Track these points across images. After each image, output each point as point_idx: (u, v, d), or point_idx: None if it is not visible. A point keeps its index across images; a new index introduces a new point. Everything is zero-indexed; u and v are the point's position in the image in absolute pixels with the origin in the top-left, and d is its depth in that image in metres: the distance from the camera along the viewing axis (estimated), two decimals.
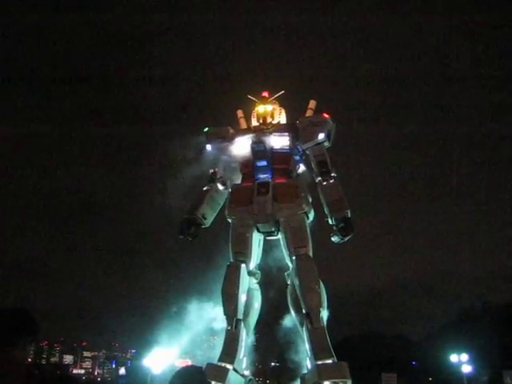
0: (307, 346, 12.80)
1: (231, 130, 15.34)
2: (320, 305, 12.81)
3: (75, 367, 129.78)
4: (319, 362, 12.09)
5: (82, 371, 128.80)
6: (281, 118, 15.46)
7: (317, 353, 12.29)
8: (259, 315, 14.46)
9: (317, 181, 14.33)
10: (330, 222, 13.74)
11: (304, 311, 12.87)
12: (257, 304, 14.30)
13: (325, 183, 14.14)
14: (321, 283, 13.13)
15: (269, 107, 15.33)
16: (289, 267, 13.83)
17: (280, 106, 15.58)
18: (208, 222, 14.74)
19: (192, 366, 3.44)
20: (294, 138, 14.72)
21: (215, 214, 14.95)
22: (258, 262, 14.51)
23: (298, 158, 15.05)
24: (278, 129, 14.96)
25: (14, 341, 3.48)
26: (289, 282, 13.87)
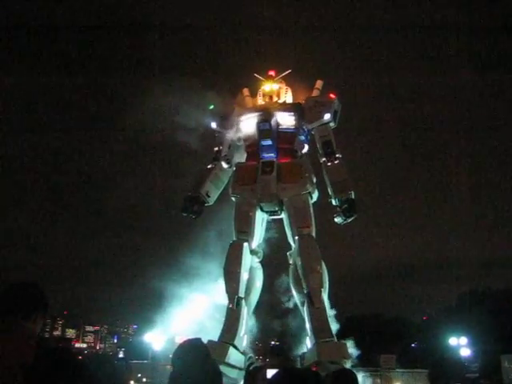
0: (307, 325, 12.88)
1: (237, 108, 15.19)
2: (321, 285, 12.85)
3: (77, 341, 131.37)
4: (319, 342, 12.19)
5: (84, 345, 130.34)
6: (287, 97, 15.31)
7: (317, 332, 12.37)
8: (261, 294, 14.56)
9: (321, 161, 14.27)
10: (334, 202, 13.70)
11: (305, 291, 12.93)
12: (258, 282, 14.34)
13: (329, 164, 14.07)
14: (323, 264, 13.15)
15: (275, 86, 15.18)
16: (291, 247, 13.86)
17: (286, 85, 15.44)
18: (211, 200, 14.71)
19: (195, 339, 3.40)
20: (300, 118, 14.60)
21: (219, 192, 14.90)
22: (261, 240, 14.52)
23: (303, 137, 14.93)
24: (284, 108, 14.82)
25: (27, 314, 3.56)
26: (291, 262, 13.89)
